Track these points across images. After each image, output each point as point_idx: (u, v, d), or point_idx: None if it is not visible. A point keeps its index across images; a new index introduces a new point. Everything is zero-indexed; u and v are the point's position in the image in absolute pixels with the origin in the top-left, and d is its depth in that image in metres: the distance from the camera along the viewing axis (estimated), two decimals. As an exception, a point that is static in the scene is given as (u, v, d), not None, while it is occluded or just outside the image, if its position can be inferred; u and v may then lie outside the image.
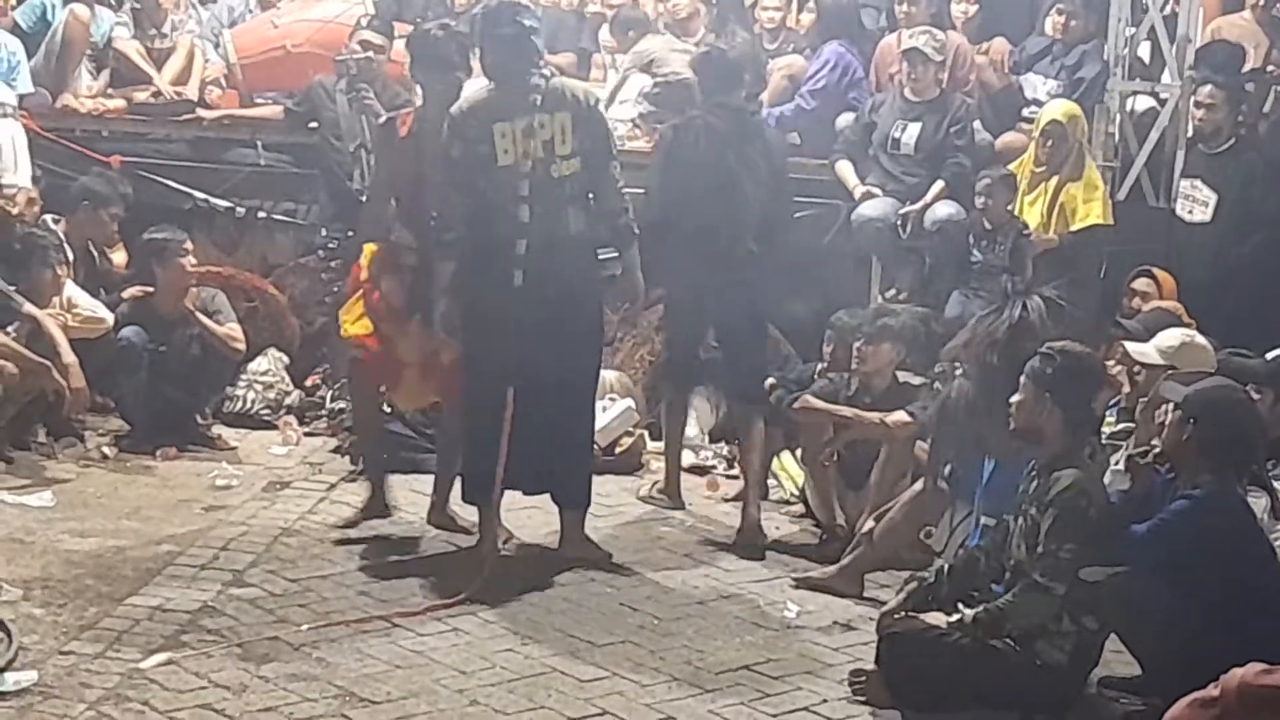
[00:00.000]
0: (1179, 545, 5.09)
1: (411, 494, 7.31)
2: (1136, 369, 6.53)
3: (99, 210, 8.42)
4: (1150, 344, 6.56)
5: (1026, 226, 8.23)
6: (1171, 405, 5.33)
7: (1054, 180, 8.34)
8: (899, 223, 8.50)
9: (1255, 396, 6.14)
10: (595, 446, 7.89)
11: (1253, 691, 3.86)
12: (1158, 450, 5.44)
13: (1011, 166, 8.50)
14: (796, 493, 7.49)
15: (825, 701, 5.29)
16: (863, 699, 5.29)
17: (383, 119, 6.95)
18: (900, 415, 6.84)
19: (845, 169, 8.73)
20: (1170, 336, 6.63)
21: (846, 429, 7.00)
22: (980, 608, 5.18)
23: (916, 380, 7.09)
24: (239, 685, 5.09)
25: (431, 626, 5.71)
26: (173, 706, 4.89)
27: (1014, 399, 5.37)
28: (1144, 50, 9.07)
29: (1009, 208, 8.26)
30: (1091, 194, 8.33)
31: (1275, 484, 5.62)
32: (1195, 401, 5.28)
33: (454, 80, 6.56)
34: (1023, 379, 5.35)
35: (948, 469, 6.03)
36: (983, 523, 5.68)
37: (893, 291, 8.54)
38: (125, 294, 8.12)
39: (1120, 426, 6.36)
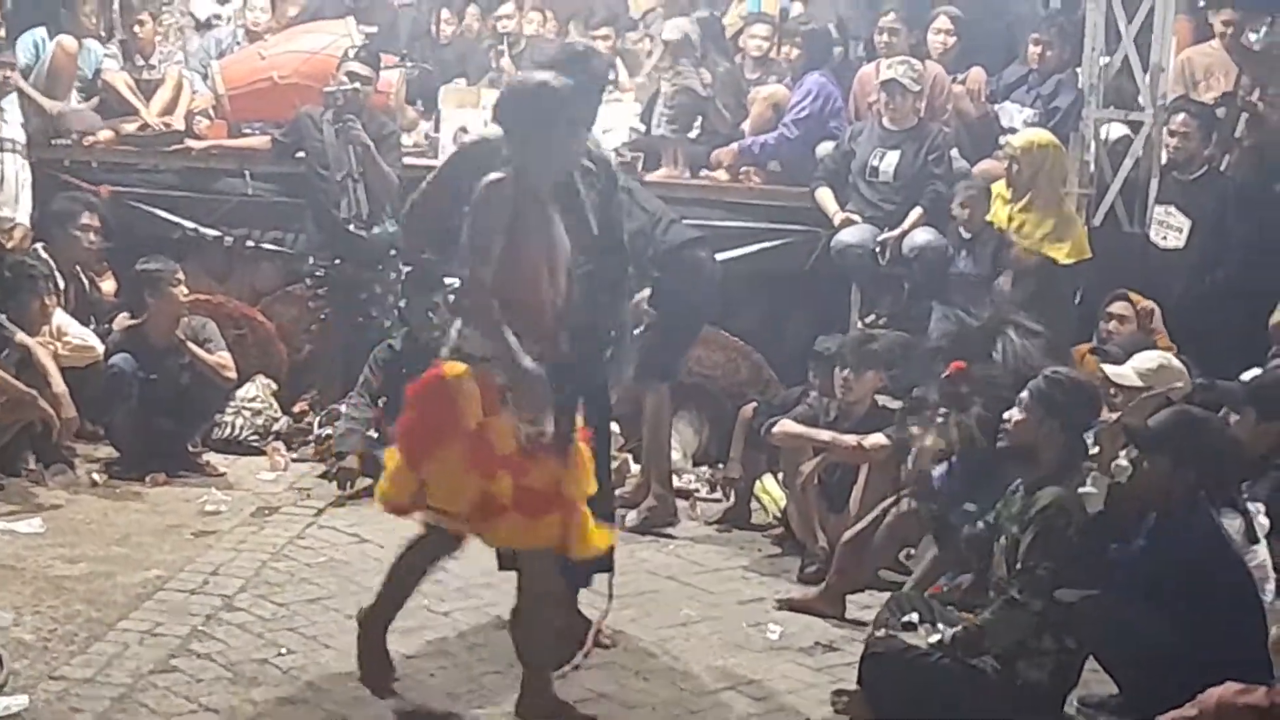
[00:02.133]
0: (1154, 568, 5.17)
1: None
2: (1114, 391, 6.65)
3: (68, 228, 8.51)
4: (1128, 366, 6.67)
5: (1006, 234, 8.31)
6: (1140, 437, 5.42)
7: (1018, 205, 8.39)
8: (878, 249, 8.59)
9: (1235, 418, 6.27)
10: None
11: (1230, 710, 3.92)
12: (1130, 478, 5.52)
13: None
14: (778, 515, 7.56)
15: (809, 722, 5.37)
16: (846, 718, 5.35)
17: (488, 179, 5.13)
18: (878, 438, 6.91)
19: (825, 196, 8.83)
20: (1148, 359, 6.75)
21: (825, 453, 7.08)
22: (959, 627, 5.26)
23: (895, 404, 7.17)
24: (229, 709, 5.13)
25: (418, 649, 5.77)
26: (164, 730, 4.96)
27: (1013, 416, 5.46)
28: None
29: (987, 219, 8.37)
30: (1066, 230, 8.33)
31: (1250, 505, 5.72)
32: (1162, 431, 5.37)
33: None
34: (1026, 398, 5.43)
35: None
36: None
37: (872, 317, 8.63)
38: (115, 322, 8.18)
39: (1097, 449, 6.44)
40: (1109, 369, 6.72)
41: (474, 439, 4.96)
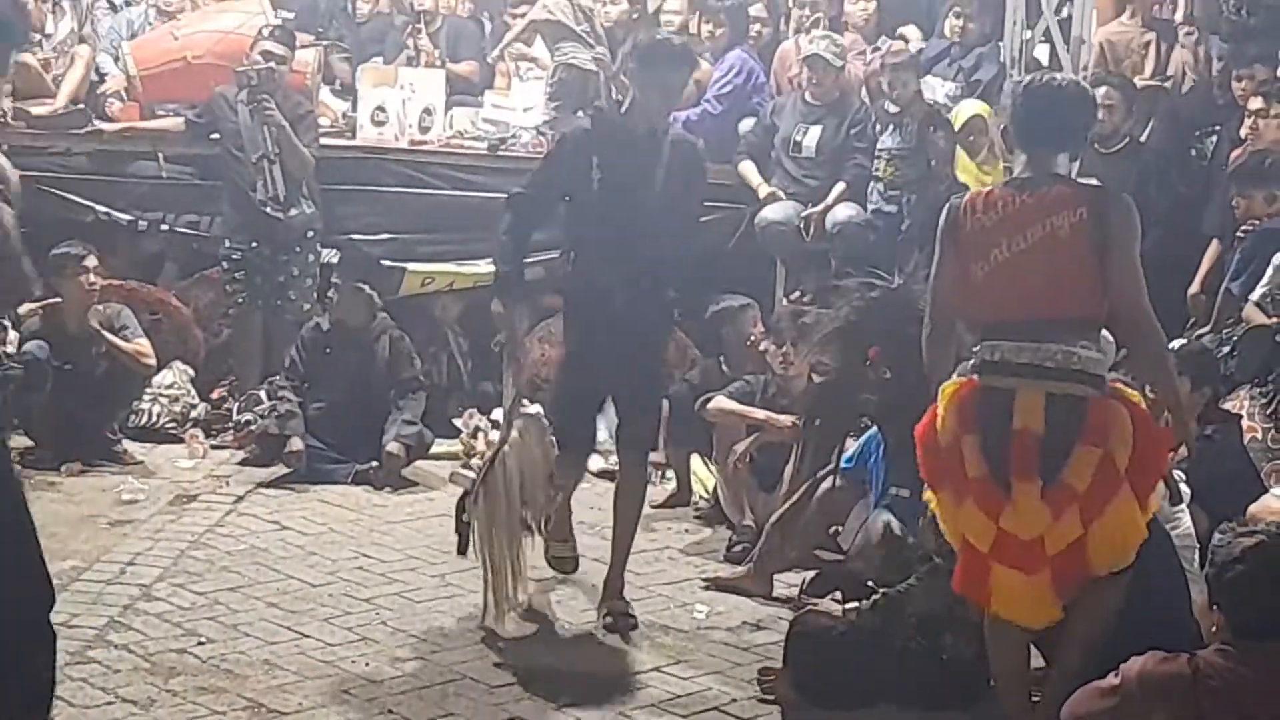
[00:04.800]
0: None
1: (320, 504, 7.33)
2: None
3: None
4: None
5: (935, 109, 8.35)
6: None
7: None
8: (801, 225, 8.58)
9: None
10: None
11: (1152, 679, 3.92)
12: None
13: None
14: (708, 495, 7.53)
15: (734, 701, 5.32)
16: (771, 698, 5.31)
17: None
18: (811, 417, 6.89)
19: (749, 169, 8.81)
20: None
21: (760, 431, 7.05)
22: (879, 593, 5.23)
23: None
24: (146, 700, 5.05)
25: (340, 636, 5.70)
26: (79, 723, 4.86)
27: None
28: (1041, 52, 9.19)
29: (915, 90, 8.39)
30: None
31: (1174, 471, 5.73)
32: None
33: None
34: None
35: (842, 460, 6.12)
36: (895, 493, 5.78)
37: (797, 294, 8.61)
38: (21, 309, 8.02)
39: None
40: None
41: None
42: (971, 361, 4.80)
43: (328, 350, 8.04)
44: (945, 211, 4.84)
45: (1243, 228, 7.52)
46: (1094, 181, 4.84)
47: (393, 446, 7.79)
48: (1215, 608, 3.90)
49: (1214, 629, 3.94)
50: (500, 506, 5.82)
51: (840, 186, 8.54)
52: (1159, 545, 5.20)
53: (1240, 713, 3.78)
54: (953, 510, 4.72)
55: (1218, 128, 8.38)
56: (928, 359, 4.88)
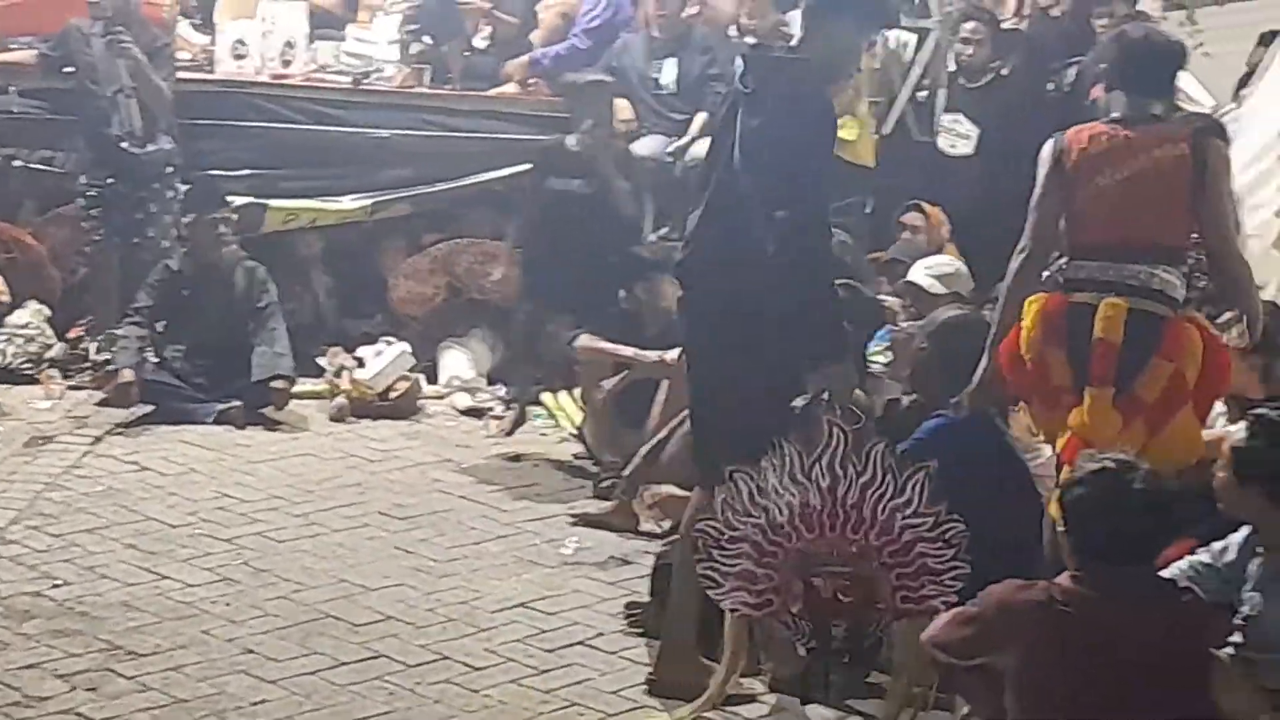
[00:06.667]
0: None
1: (181, 444, 7.20)
2: (908, 302, 6.78)
3: None
4: (927, 275, 6.78)
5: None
6: (918, 336, 5.50)
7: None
8: (670, 159, 8.54)
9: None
10: (369, 391, 7.90)
11: (1011, 606, 3.96)
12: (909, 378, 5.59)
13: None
14: (574, 431, 7.50)
15: (601, 635, 5.33)
16: (639, 631, 5.32)
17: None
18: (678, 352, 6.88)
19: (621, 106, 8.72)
20: (942, 264, 6.88)
21: (629, 368, 7.03)
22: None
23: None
24: (0, 644, 4.95)
25: (201, 576, 5.63)
26: (-71, 669, 4.76)
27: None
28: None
29: (774, 21, 8.43)
30: (859, 131, 8.46)
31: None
32: (937, 328, 5.42)
33: None
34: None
35: None
36: None
37: (665, 229, 8.56)
38: None
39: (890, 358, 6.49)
40: (922, 281, 6.85)
41: None
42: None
43: (184, 292, 7.88)
44: (1051, 142, 4.95)
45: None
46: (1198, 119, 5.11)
47: (279, 383, 7.70)
48: (1064, 532, 3.95)
49: (1067, 555, 3.99)
50: None
51: (702, 117, 8.47)
52: (1015, 473, 5.27)
53: (1094, 637, 3.82)
54: (1047, 417, 4.92)
55: (1079, 59, 8.47)
56: (1015, 280, 4.99)
